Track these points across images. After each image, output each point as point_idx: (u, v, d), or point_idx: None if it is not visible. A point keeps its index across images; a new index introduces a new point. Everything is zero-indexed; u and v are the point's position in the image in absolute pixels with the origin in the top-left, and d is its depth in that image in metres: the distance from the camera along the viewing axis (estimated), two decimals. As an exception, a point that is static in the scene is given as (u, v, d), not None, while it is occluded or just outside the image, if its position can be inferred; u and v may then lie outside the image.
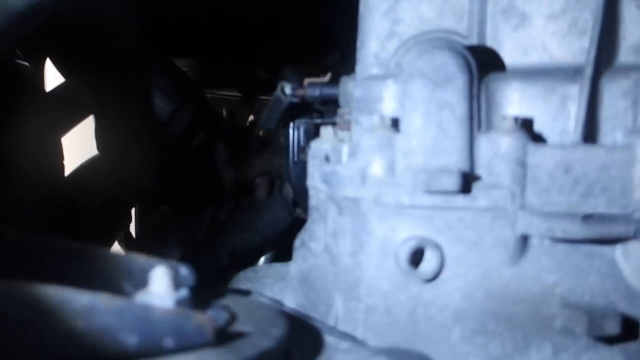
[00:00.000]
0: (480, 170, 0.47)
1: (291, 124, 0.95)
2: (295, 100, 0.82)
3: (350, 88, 0.55)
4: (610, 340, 0.44)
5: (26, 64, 1.10)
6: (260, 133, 1.26)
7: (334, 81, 0.79)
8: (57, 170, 1.13)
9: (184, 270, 0.39)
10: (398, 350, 0.47)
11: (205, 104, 1.01)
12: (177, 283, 0.34)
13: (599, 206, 0.45)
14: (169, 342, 0.30)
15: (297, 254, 0.73)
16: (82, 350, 0.27)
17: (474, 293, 0.48)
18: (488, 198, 0.45)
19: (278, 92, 0.82)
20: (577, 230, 0.44)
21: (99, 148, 0.92)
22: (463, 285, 0.49)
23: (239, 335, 0.34)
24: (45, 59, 1.36)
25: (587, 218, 0.45)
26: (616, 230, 0.45)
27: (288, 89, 0.80)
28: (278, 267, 0.76)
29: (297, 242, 0.71)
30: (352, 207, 0.57)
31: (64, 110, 1.30)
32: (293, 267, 0.68)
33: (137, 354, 0.28)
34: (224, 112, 1.18)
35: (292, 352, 0.38)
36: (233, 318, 0.38)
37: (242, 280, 0.69)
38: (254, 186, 1.05)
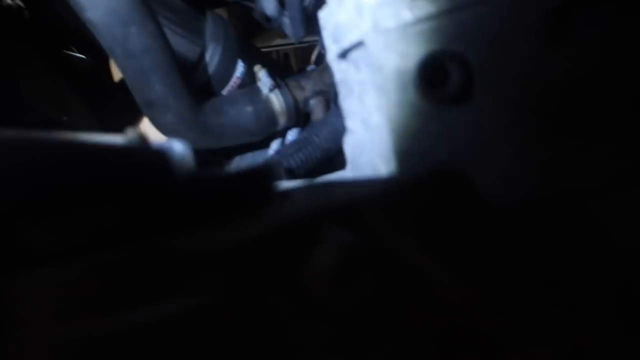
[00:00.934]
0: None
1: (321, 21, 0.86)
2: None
3: None
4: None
5: (83, 57, 1.13)
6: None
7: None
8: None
9: (179, 146, 0.34)
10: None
11: (237, 39, 0.95)
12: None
13: None
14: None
15: (344, 145, 0.68)
16: None
17: (512, 97, 0.38)
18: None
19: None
20: None
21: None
22: (498, 95, 0.39)
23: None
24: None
25: None
26: None
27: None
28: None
29: (344, 138, 0.67)
30: (362, 54, 0.50)
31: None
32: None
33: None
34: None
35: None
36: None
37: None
38: (310, 110, 0.97)
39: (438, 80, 0.40)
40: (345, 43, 0.52)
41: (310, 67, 1.06)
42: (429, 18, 0.40)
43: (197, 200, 0.30)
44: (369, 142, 0.56)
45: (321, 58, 1.32)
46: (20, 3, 1.03)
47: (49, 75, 0.93)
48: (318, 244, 0.29)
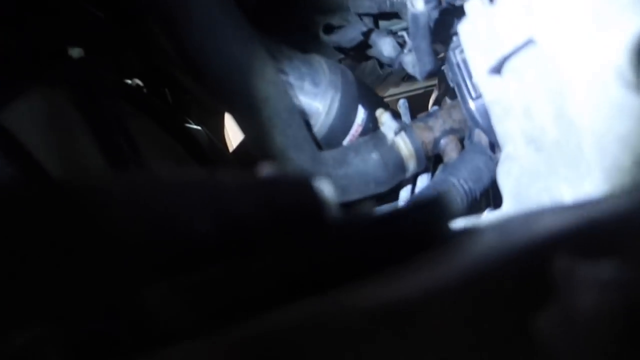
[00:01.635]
0: None
1: (451, 54, 0.77)
2: (433, 6, 0.64)
3: None
4: None
5: (199, 128, 1.13)
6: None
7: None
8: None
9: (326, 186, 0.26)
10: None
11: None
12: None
13: None
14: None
15: (500, 177, 0.58)
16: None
17: None
18: None
19: (411, 10, 0.66)
20: None
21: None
22: None
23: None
24: (223, 119, 1.41)
25: None
26: None
27: (421, -3, 0.64)
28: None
29: (498, 169, 0.57)
30: (528, 59, 0.41)
31: (249, 166, 1.31)
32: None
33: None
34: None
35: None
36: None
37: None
38: (441, 151, 0.87)
39: None
40: (504, 49, 0.44)
41: (434, 108, 0.97)
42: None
43: (360, 248, 0.22)
44: (544, 165, 0.44)
45: (442, 100, 1.23)
46: (139, 82, 1.05)
47: (168, 147, 0.92)
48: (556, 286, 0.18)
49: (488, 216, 0.70)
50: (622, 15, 0.30)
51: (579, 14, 0.32)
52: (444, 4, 0.66)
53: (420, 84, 1.34)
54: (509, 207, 0.59)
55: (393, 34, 0.95)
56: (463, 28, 0.54)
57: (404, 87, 1.32)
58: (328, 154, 0.78)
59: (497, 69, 0.50)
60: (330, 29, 0.87)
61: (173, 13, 0.56)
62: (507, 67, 0.49)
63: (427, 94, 1.34)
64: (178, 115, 1.09)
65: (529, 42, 0.42)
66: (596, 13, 0.32)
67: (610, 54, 0.32)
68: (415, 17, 0.66)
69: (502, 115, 0.53)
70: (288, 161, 0.70)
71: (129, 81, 1.03)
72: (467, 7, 0.52)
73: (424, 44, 0.70)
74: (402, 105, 0.97)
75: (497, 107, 0.54)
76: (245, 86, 0.60)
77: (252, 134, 0.65)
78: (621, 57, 0.31)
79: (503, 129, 0.54)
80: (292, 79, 0.79)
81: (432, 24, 0.70)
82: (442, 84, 1.09)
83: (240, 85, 0.60)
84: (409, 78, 1.30)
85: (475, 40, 0.52)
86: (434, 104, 1.25)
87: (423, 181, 0.90)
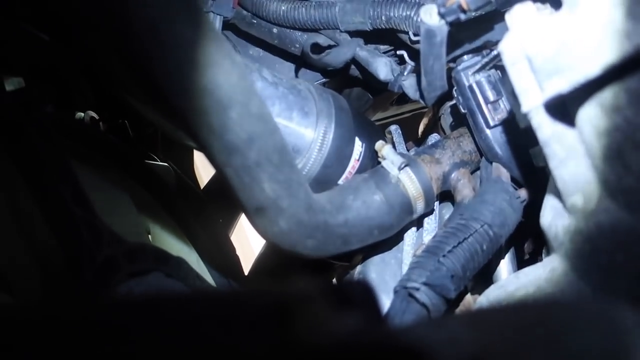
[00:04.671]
0: None
1: (462, 75, 0.66)
2: (452, 19, 0.52)
3: None
4: None
5: (165, 164, 0.99)
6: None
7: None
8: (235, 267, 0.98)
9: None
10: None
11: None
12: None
13: None
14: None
15: (558, 233, 0.46)
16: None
17: None
18: None
19: (424, 24, 0.54)
20: None
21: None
22: None
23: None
24: (192, 151, 1.27)
25: None
26: None
27: (438, 9, 0.52)
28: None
29: (543, 221, 0.46)
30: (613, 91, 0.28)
31: (224, 205, 1.17)
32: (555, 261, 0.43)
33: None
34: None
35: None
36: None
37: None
38: (452, 188, 0.75)
39: None
40: (587, 72, 0.31)
41: (433, 136, 0.85)
42: None
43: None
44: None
45: (433, 125, 1.12)
46: (94, 114, 0.90)
47: (127, 191, 0.77)
48: None
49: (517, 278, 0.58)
50: None
51: None
52: (462, 17, 0.54)
53: (408, 107, 1.23)
54: (566, 269, 0.46)
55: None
56: (508, 45, 0.41)
57: (392, 111, 1.21)
58: (323, 198, 0.65)
59: (572, 98, 0.37)
60: (319, 49, 0.74)
61: (134, 27, 0.43)
62: (592, 97, 0.36)
63: (415, 118, 1.23)
64: (140, 151, 0.94)
65: (635, 64, 0.29)
66: None
67: None
68: (429, 32, 0.55)
69: (564, 158, 0.40)
70: (279, 212, 0.57)
71: (82, 114, 0.89)
72: (514, 18, 0.40)
73: (438, 64, 0.59)
74: (394, 132, 0.85)
75: (558, 146, 0.41)
76: (225, 124, 0.47)
77: (235, 182, 0.51)
78: None
79: (565, 173, 0.41)
80: (278, 108, 0.66)
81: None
82: (435, 107, 0.98)
83: (219, 122, 0.46)
84: (397, 102, 1.19)
85: (530, 61, 0.39)
86: (426, 129, 1.14)
87: (430, 223, 0.78)
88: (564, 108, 0.37)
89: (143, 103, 0.72)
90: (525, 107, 0.40)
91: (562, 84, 0.35)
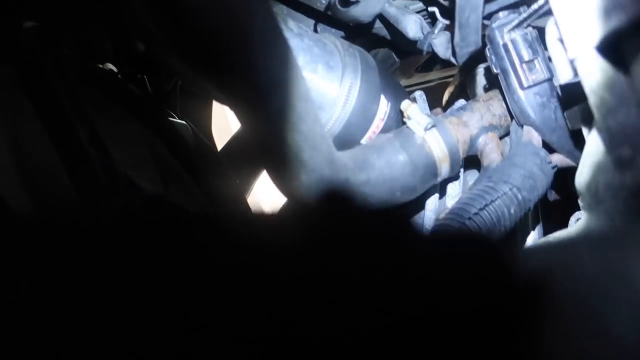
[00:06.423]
0: None
1: (497, 33, 0.62)
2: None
3: None
4: None
5: (183, 122, 0.97)
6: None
7: None
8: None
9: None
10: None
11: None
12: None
13: None
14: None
15: (589, 193, 0.43)
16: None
17: None
18: None
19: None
20: None
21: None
22: None
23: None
24: (210, 112, 1.25)
25: None
26: None
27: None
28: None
29: (579, 181, 0.44)
30: None
31: (240, 167, 1.15)
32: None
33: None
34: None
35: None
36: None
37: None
38: (479, 152, 0.73)
39: None
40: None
41: (460, 101, 0.82)
42: None
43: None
44: None
45: (457, 94, 1.08)
46: (113, 67, 0.88)
47: (146, 144, 0.76)
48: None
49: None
50: None
51: None
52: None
53: (433, 75, 1.20)
54: (603, 229, 0.44)
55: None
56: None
57: (417, 79, 1.17)
58: (347, 156, 0.63)
59: (631, 39, 0.34)
60: (347, 1, 0.71)
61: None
62: (630, 42, 0.33)
63: (441, 87, 1.20)
64: (159, 106, 0.92)
65: None
66: None
67: None
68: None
69: (613, 106, 0.37)
70: (300, 164, 0.55)
71: (100, 65, 0.87)
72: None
73: (474, 16, 0.56)
74: (419, 98, 0.82)
75: (608, 93, 0.38)
76: (252, 65, 0.45)
77: (257, 130, 0.49)
78: None
79: (613, 124, 0.38)
80: (302, 60, 0.64)
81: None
82: (462, 74, 0.94)
83: (246, 63, 0.44)
84: (422, 68, 1.15)
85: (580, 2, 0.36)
86: (451, 98, 1.10)
87: (454, 189, 0.76)
88: (617, 52, 0.34)
89: (166, 53, 0.70)
90: (573, 52, 0.37)
91: (623, 19, 0.32)
